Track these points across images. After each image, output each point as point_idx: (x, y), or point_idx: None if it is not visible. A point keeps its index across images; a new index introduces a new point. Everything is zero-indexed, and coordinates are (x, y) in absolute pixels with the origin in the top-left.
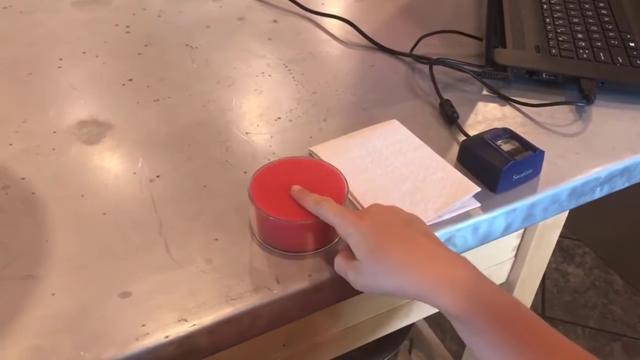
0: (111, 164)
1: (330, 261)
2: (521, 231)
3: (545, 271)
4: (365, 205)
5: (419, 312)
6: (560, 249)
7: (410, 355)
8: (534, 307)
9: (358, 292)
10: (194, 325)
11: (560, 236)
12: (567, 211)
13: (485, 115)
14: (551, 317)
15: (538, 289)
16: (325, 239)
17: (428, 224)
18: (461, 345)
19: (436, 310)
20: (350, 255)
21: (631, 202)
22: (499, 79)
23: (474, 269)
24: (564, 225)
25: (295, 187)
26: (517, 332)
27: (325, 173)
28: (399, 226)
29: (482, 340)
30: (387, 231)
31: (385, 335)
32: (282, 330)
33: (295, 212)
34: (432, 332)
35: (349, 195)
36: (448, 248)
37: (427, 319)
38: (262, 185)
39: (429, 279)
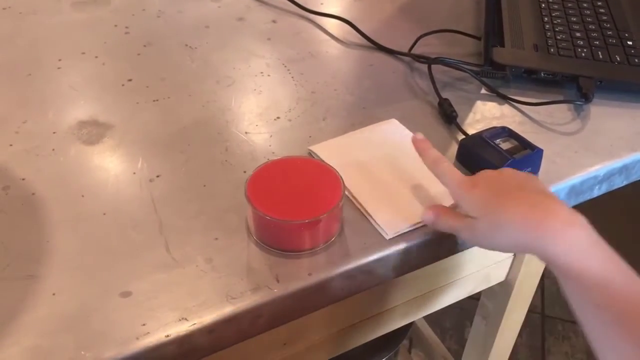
0: (111, 164)
1: (331, 260)
2: None
3: (545, 270)
4: (366, 205)
5: (418, 312)
6: None
7: (410, 355)
8: (533, 305)
9: (357, 292)
10: (195, 324)
11: None
12: None
13: (484, 114)
14: (551, 316)
15: (538, 288)
16: (323, 237)
17: (427, 224)
18: (461, 345)
19: (434, 309)
20: (460, 213)
21: (630, 200)
22: (497, 78)
23: (591, 228)
24: None
25: (419, 136)
26: (622, 300)
27: (321, 172)
28: (513, 187)
29: (586, 301)
30: (503, 192)
31: (385, 334)
32: (283, 329)
33: (292, 211)
34: (431, 331)
35: (347, 194)
36: (565, 205)
37: (427, 319)
38: (259, 186)
39: (547, 233)
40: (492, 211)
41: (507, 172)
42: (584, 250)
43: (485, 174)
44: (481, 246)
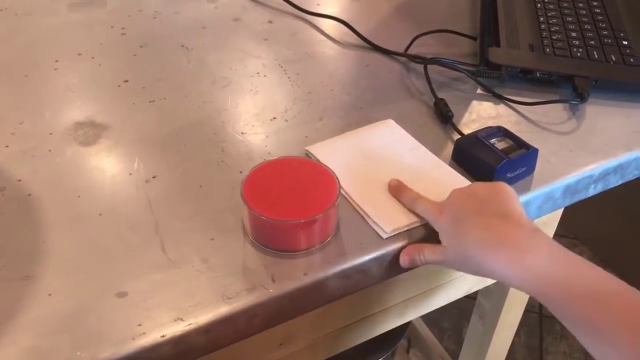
0: (107, 165)
1: (326, 259)
2: None
3: None
4: (362, 205)
5: (415, 311)
6: None
7: (409, 355)
8: (531, 305)
9: (353, 291)
10: (190, 324)
11: (557, 235)
12: (562, 209)
13: (480, 114)
14: (548, 315)
15: None
16: (318, 237)
17: (424, 222)
18: (459, 345)
19: (431, 309)
20: (433, 245)
21: (627, 199)
22: (493, 78)
23: (547, 245)
24: (561, 224)
25: (393, 182)
26: (592, 308)
27: (316, 172)
28: (474, 213)
29: (561, 316)
30: (463, 218)
31: (382, 334)
32: (279, 329)
33: (288, 211)
34: (429, 331)
35: (343, 193)
36: (523, 224)
37: (426, 319)
38: (255, 186)
39: (502, 264)
40: (455, 240)
41: (474, 190)
42: (539, 275)
43: (452, 197)
44: (460, 271)
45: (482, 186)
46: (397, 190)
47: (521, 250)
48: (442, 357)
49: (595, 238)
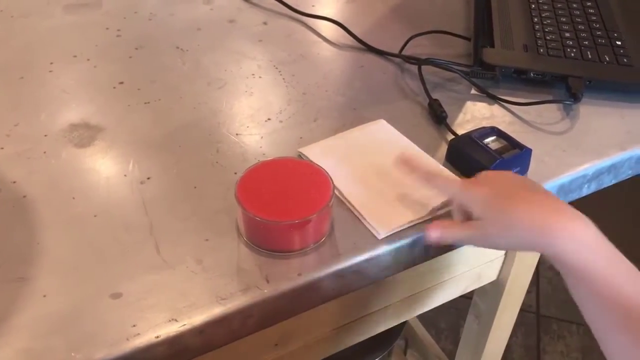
0: (102, 167)
1: (321, 260)
2: None
3: (540, 269)
4: (357, 205)
5: (410, 311)
6: None
7: (405, 355)
8: (528, 305)
9: (347, 292)
10: (185, 325)
11: None
12: None
13: (474, 115)
14: (546, 315)
15: (533, 288)
16: (313, 237)
17: (418, 222)
18: (456, 345)
19: (426, 309)
20: (458, 222)
21: (624, 199)
22: (487, 79)
23: (595, 228)
24: None
25: (403, 157)
26: (627, 301)
27: (311, 172)
28: (517, 186)
29: (592, 301)
30: (509, 192)
31: (378, 334)
32: (274, 330)
33: (282, 212)
34: (425, 331)
35: (337, 194)
36: (569, 205)
37: (423, 319)
38: (249, 187)
39: (555, 232)
40: (501, 211)
41: (508, 173)
42: (591, 250)
43: (487, 174)
44: (492, 247)
45: (514, 173)
46: (409, 165)
47: (574, 223)
48: (439, 357)
49: None
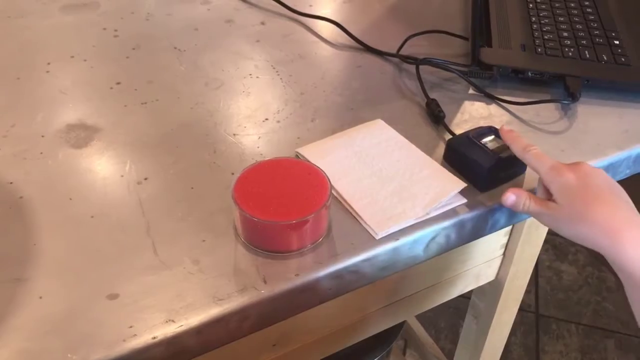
0: (99, 167)
1: (318, 260)
2: (509, 229)
3: (539, 269)
4: (354, 205)
5: (408, 311)
6: (554, 246)
7: (405, 356)
8: (527, 304)
9: (345, 292)
10: (181, 326)
11: (553, 234)
12: None
13: (472, 114)
14: (545, 314)
15: (532, 287)
16: (310, 237)
17: (416, 222)
18: (455, 344)
19: (425, 309)
20: (540, 198)
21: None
22: (485, 78)
23: None
24: None
25: (505, 128)
26: None
27: (307, 172)
28: (604, 186)
29: None
30: (594, 188)
31: (377, 334)
32: (272, 330)
33: (279, 212)
34: (424, 331)
35: (334, 194)
36: None
37: (422, 320)
38: (246, 187)
39: (622, 240)
40: (580, 203)
41: (600, 172)
42: None
43: (583, 166)
44: (556, 230)
45: (608, 176)
46: (510, 136)
47: None
48: (437, 357)
49: None
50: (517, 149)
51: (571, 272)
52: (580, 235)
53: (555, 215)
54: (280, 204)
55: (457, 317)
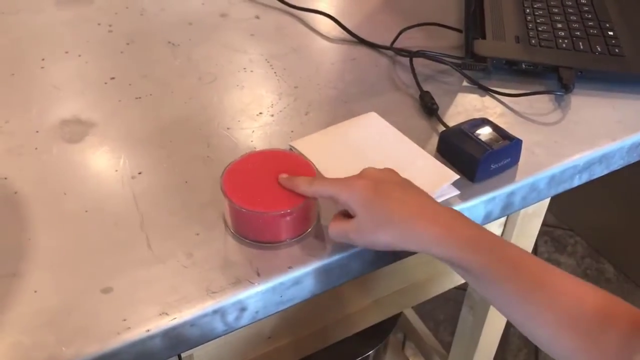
0: (93, 162)
1: (308, 252)
2: (503, 220)
3: None
4: None
5: (404, 303)
6: (552, 238)
7: (403, 349)
8: None
9: (337, 284)
10: (175, 318)
11: (552, 226)
12: (548, 200)
13: (465, 106)
14: None
15: None
16: (300, 228)
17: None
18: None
19: (419, 301)
20: (345, 217)
21: (621, 190)
22: (478, 70)
23: (473, 222)
24: (556, 215)
25: (283, 176)
26: (524, 280)
27: (296, 164)
28: (394, 182)
29: (493, 290)
30: (383, 186)
31: (372, 326)
32: (267, 323)
33: (268, 202)
34: (423, 324)
35: None
36: (437, 204)
37: (421, 312)
38: (235, 179)
39: (432, 231)
40: (373, 205)
41: (389, 170)
42: (475, 244)
43: (369, 169)
44: (366, 245)
45: (395, 171)
46: (291, 181)
47: (452, 218)
48: (435, 349)
49: (589, 229)
50: (304, 189)
51: (570, 263)
52: (390, 241)
53: (358, 227)
54: (268, 195)
55: (456, 309)
